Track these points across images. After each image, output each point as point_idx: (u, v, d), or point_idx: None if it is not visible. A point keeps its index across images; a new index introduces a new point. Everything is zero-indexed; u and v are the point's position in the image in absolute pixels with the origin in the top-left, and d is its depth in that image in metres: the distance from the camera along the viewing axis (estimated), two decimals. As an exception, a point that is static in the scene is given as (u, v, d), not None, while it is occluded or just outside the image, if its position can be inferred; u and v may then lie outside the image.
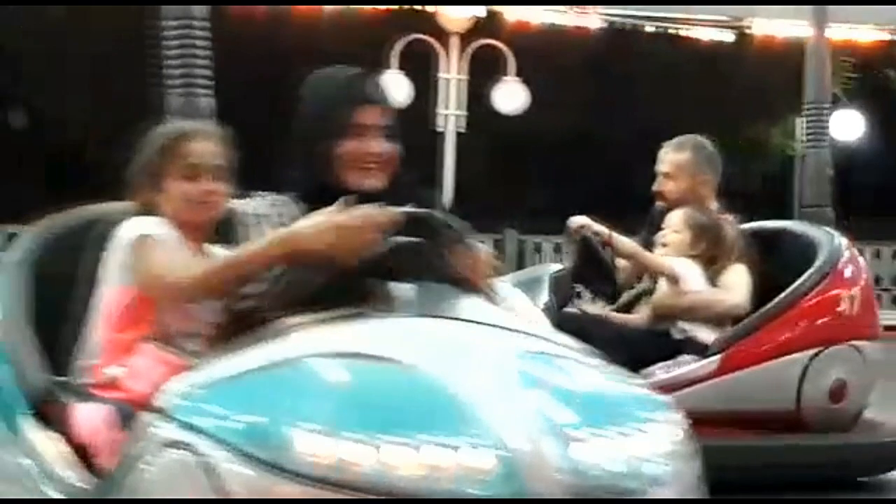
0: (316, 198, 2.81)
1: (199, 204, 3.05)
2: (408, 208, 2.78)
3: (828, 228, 5.86)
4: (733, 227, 5.39)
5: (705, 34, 16.64)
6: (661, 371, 5.07)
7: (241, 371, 2.46)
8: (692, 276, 5.20)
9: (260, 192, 3.05)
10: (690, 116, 16.30)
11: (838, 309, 5.27)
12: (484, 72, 14.68)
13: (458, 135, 15.02)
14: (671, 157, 5.53)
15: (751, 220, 5.73)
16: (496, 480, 2.21)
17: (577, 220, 5.30)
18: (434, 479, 2.19)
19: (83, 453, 2.84)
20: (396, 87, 13.76)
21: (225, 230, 3.20)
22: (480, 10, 14.77)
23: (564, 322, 4.18)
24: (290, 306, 2.69)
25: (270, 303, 2.74)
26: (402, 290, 2.77)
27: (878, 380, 5.51)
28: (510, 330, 2.68)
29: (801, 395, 5.18)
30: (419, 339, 2.53)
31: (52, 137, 18.14)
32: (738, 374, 5.12)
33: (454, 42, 14.62)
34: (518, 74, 14.68)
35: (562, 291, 5.27)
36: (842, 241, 5.50)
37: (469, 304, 2.80)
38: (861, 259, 5.64)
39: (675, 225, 5.30)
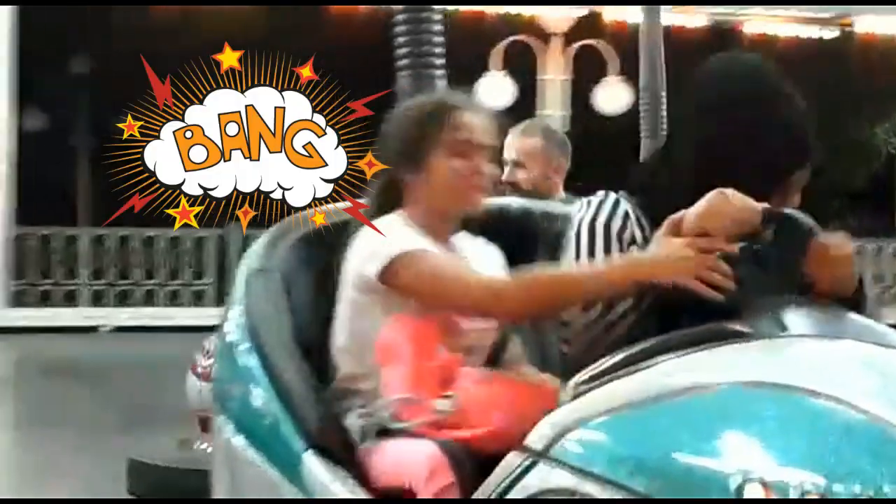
0: None
1: (468, 185, 2.57)
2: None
3: None
4: None
5: (806, 32, 16.17)
6: None
7: (638, 400, 2.00)
8: None
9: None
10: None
11: None
12: (590, 72, 14.22)
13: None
14: (520, 143, 4.78)
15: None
16: None
17: None
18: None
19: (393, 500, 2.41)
20: (499, 88, 13.39)
21: (489, 231, 2.79)
22: (581, 10, 14.33)
23: None
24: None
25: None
26: (759, 303, 2.34)
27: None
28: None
29: None
30: (840, 368, 2.10)
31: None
32: None
33: (555, 43, 14.15)
34: (622, 74, 14.21)
35: None
36: None
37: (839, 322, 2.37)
38: None
39: None
